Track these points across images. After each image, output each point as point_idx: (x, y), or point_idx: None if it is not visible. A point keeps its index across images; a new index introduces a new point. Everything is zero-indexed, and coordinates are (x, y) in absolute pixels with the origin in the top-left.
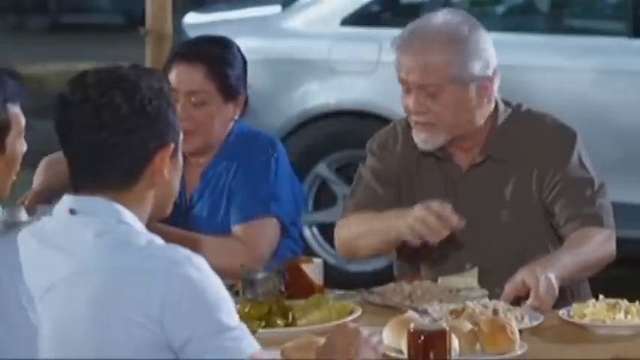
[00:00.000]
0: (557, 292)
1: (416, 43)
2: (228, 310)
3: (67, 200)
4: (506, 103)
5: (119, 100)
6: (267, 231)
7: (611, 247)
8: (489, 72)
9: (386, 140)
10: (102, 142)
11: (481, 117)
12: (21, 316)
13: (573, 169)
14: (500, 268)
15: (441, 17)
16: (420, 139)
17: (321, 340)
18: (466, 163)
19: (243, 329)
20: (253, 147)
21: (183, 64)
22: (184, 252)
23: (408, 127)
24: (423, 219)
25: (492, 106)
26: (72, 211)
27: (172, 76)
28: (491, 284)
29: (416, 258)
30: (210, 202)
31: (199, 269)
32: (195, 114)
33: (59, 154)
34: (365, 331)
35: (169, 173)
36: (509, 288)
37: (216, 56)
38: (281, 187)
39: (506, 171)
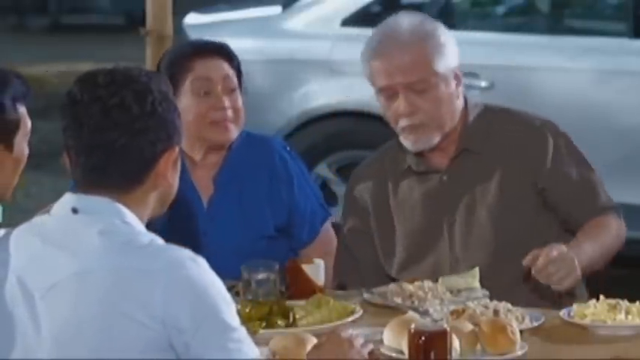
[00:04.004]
0: (578, 272)
1: (391, 46)
2: (230, 311)
3: (68, 199)
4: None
5: (130, 101)
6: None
7: (623, 234)
8: (457, 65)
9: (360, 170)
10: (112, 142)
11: (458, 112)
12: (4, 312)
13: (568, 163)
14: (495, 262)
15: (403, 19)
16: (410, 141)
17: (310, 339)
18: (444, 161)
19: (244, 332)
20: (269, 149)
21: (206, 57)
22: (186, 252)
23: (384, 152)
24: None
25: (463, 101)
26: (74, 210)
27: (200, 69)
28: (489, 279)
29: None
30: (241, 211)
31: (201, 269)
32: (233, 101)
33: None
34: (359, 340)
35: (171, 176)
36: (526, 261)
37: (228, 50)
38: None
39: (486, 164)
